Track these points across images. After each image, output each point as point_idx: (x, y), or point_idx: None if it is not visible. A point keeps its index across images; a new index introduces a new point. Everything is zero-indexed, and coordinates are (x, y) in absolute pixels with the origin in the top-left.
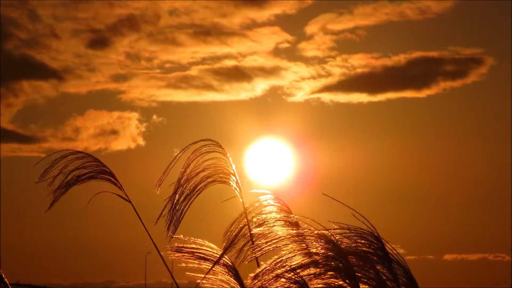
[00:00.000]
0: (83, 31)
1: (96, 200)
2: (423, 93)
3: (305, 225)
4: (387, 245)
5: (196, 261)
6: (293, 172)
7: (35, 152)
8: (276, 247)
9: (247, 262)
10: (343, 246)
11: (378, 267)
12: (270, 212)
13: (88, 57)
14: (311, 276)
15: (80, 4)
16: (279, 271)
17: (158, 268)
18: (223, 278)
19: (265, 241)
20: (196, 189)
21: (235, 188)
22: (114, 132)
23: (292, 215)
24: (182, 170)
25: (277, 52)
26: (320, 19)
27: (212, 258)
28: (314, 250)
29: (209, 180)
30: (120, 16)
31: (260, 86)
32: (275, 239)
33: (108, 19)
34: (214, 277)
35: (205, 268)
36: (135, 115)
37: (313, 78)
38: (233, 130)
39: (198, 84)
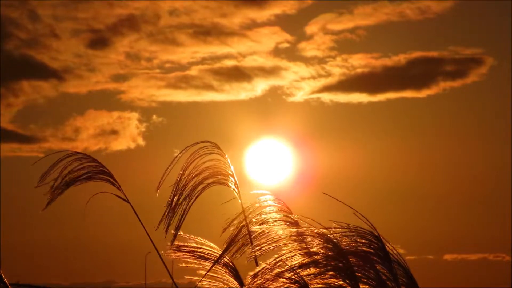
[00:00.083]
0: (83, 31)
1: (96, 200)
2: (423, 93)
3: (305, 225)
4: (387, 245)
5: (196, 261)
6: (293, 172)
7: (35, 152)
8: (276, 246)
9: (246, 262)
10: (343, 246)
11: (378, 267)
12: (270, 212)
13: (88, 57)
14: (311, 276)
15: (80, 4)
16: (278, 270)
17: (158, 268)
18: (224, 278)
19: (265, 240)
20: (195, 192)
21: (234, 189)
22: (114, 132)
23: (292, 215)
24: (180, 172)
25: (277, 52)
26: (320, 19)
27: (212, 258)
28: (314, 250)
29: (208, 182)
30: (120, 16)
31: (260, 86)
32: (275, 238)
33: (108, 19)
34: (214, 275)
35: (205, 268)
36: (135, 115)
37: (313, 78)
38: (233, 130)
39: (198, 84)
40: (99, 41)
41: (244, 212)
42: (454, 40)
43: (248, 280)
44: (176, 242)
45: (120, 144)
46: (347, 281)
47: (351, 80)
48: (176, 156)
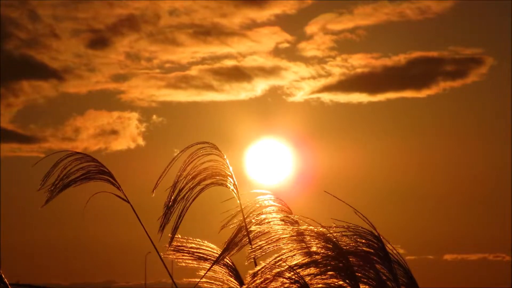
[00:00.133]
0: (83, 31)
1: (96, 200)
2: (423, 93)
3: (306, 225)
4: (387, 245)
5: (195, 261)
6: (293, 172)
7: (35, 152)
8: (276, 246)
9: (246, 263)
10: (343, 246)
11: (378, 267)
12: (270, 212)
13: (88, 57)
14: (311, 275)
15: (80, 4)
16: (278, 270)
17: (158, 268)
18: (224, 279)
19: (265, 240)
20: (193, 193)
21: (233, 190)
22: (114, 132)
23: (292, 215)
24: (178, 174)
25: (277, 52)
26: (320, 19)
27: (212, 258)
28: (314, 250)
29: (206, 183)
30: (120, 16)
31: (260, 86)
32: (275, 238)
33: (108, 19)
34: (214, 275)
35: (205, 268)
36: (135, 115)
37: (313, 78)
38: (233, 130)
39: (198, 84)
40: (99, 41)
41: (242, 212)
42: (454, 40)
43: (247, 279)
44: (174, 243)
45: (120, 144)
46: (347, 281)
47: (351, 80)
48: (175, 157)
